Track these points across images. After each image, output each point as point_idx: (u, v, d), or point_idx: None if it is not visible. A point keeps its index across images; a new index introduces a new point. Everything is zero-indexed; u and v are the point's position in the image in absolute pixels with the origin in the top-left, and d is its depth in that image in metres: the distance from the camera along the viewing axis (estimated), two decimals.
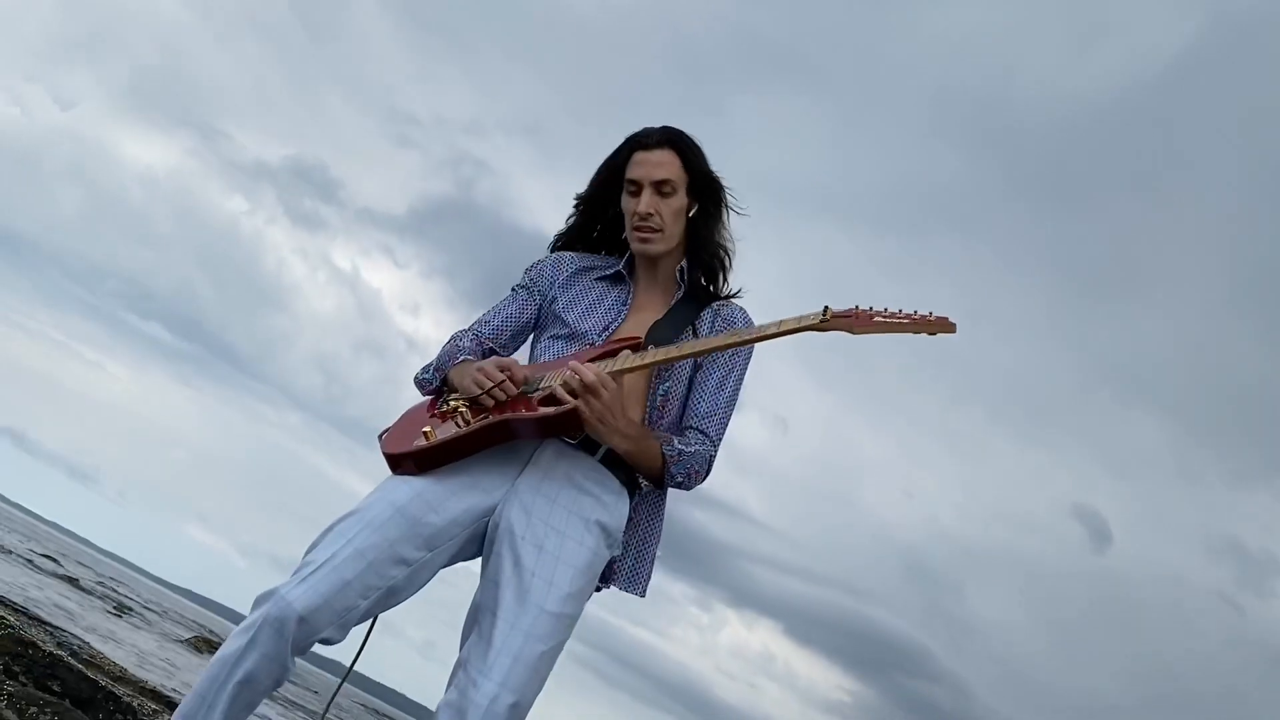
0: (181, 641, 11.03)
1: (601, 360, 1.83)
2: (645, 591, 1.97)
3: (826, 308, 1.71)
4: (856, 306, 1.71)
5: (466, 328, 2.05)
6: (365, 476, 1.91)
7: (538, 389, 1.81)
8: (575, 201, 2.11)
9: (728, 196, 2.05)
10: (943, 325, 1.70)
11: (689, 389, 1.97)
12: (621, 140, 2.03)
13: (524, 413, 1.77)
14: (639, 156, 1.96)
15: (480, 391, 1.80)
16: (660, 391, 1.93)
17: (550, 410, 1.74)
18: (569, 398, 1.72)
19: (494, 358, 1.92)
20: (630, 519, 1.91)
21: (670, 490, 1.97)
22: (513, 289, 2.09)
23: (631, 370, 1.83)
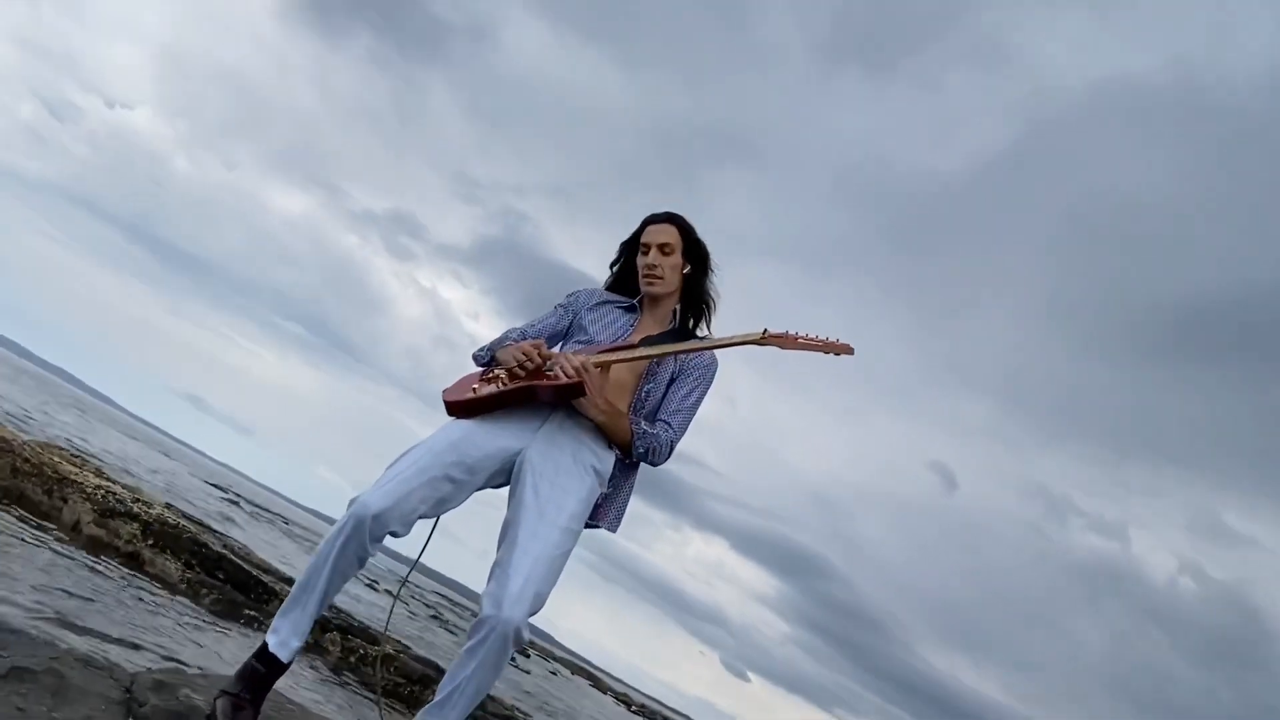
0: (308, 543, 11.97)
1: (600, 355, 2.06)
2: (616, 528, 2.15)
3: (765, 329, 2.00)
4: (787, 331, 1.99)
5: (518, 326, 2.29)
6: (437, 429, 2.13)
7: (552, 369, 2.03)
8: (610, 264, 2.38)
9: (711, 261, 2.27)
10: (844, 348, 1.98)
11: (664, 393, 2.17)
12: (636, 218, 2.30)
13: (544, 381, 2.01)
14: (649, 228, 2.25)
15: (515, 363, 2.04)
16: (644, 390, 2.15)
17: (561, 380, 1.98)
18: (571, 375, 1.97)
19: (529, 340, 2.15)
20: (612, 475, 2.09)
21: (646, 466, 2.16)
22: (555, 306, 2.33)
23: (621, 361, 2.07)
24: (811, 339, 2.00)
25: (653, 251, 2.21)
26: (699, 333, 2.28)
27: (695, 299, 2.27)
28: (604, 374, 2.05)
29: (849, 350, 1.99)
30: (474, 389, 2.08)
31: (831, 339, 1.99)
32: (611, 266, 2.36)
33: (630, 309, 2.26)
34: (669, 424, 2.12)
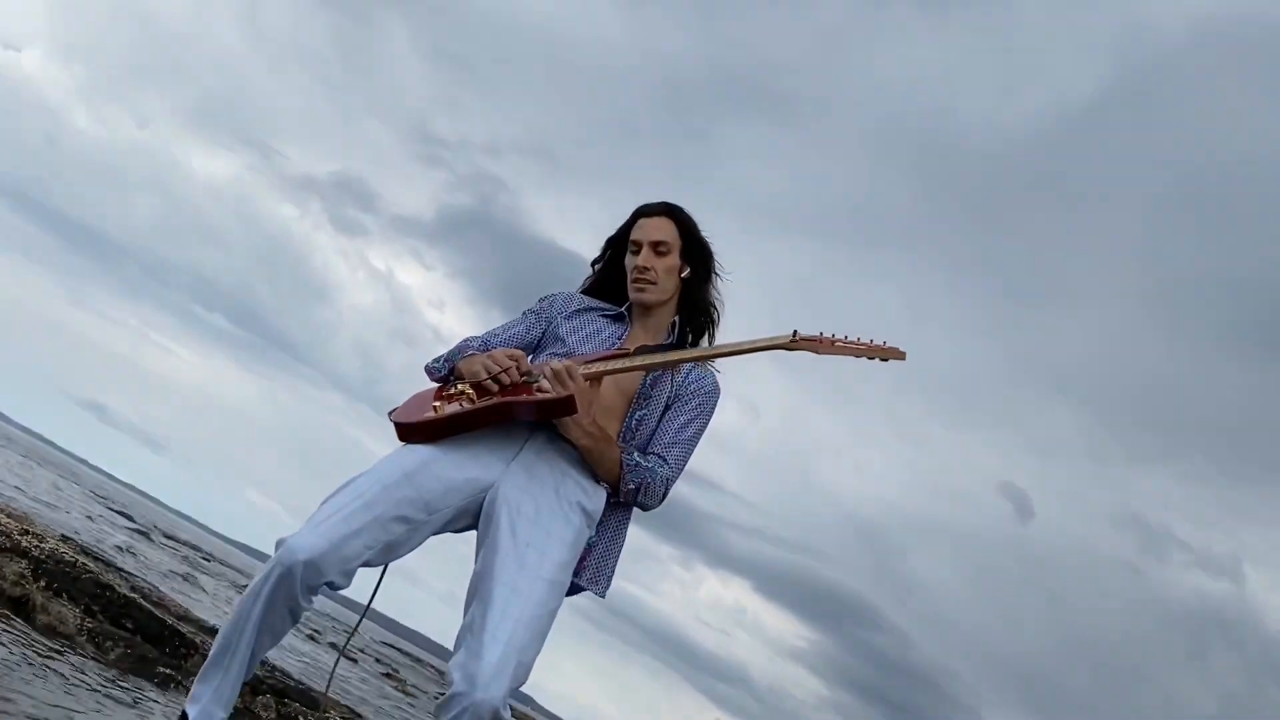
0: (237, 587, 10.97)
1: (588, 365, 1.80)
2: (605, 592, 1.89)
3: (795, 331, 1.76)
4: (821, 333, 1.75)
5: (477, 335, 2.00)
6: (393, 447, 1.86)
7: (534, 381, 1.77)
8: (592, 262, 2.11)
9: (716, 262, 2.03)
10: (894, 353, 1.75)
11: (658, 423, 1.92)
12: (627, 209, 2.04)
13: (524, 397, 1.73)
14: (641, 222, 2.00)
15: (487, 376, 1.76)
16: (636, 416, 1.89)
17: (548, 395, 1.70)
18: (562, 387, 1.71)
19: (503, 348, 1.88)
20: (601, 520, 1.85)
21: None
22: (524, 312, 2.05)
23: (616, 371, 1.80)
24: (852, 342, 1.77)
25: (644, 251, 1.96)
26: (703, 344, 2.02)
27: (694, 308, 2.01)
28: (595, 388, 1.79)
29: (900, 355, 1.77)
30: (434, 407, 1.80)
31: (877, 342, 1.75)
32: (593, 265, 2.09)
33: (618, 318, 2.01)
34: (664, 459, 1.86)
